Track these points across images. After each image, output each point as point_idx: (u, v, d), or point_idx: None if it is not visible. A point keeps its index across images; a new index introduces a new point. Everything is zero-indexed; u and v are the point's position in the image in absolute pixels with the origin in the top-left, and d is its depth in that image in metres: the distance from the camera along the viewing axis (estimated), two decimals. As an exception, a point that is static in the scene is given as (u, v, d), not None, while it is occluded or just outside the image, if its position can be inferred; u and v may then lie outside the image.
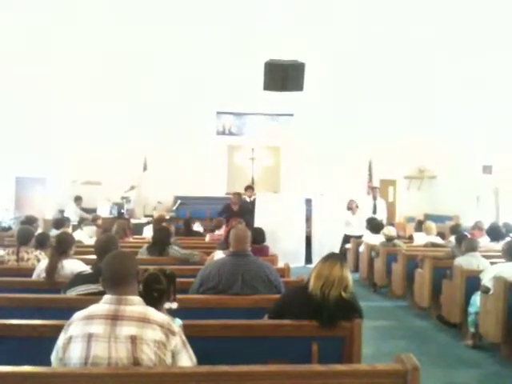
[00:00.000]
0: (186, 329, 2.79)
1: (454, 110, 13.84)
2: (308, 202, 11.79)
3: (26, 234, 5.50)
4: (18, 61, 12.44)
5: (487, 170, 13.50)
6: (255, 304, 3.83)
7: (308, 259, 10.95)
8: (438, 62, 12.85)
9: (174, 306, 2.93)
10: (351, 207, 11.15)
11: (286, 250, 9.60)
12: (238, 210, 10.56)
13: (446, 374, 4.95)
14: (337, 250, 9.89)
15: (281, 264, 5.71)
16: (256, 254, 4.77)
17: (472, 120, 13.30)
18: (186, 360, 2.47)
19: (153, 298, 2.80)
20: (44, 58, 12.71)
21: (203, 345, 2.81)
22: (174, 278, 3.00)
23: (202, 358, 2.60)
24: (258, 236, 6.19)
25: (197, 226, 10.05)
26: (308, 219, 11.60)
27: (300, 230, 11.32)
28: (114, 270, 2.56)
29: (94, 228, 8.89)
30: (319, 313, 3.16)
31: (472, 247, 6.34)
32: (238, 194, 11.20)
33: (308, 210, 11.67)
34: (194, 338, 2.70)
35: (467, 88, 12.93)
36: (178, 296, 3.12)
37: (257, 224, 9.82)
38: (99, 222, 9.77)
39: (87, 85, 13.96)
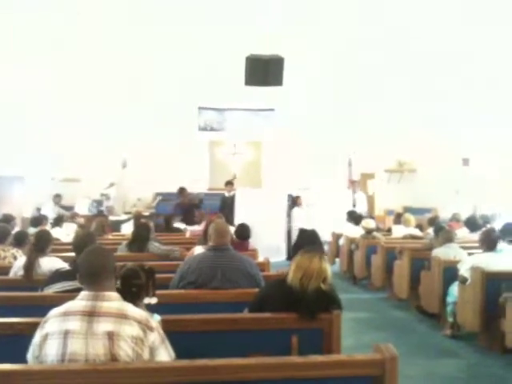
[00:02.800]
0: (165, 324, 2.78)
1: (433, 104, 13.96)
2: (289, 196, 11.83)
3: (3, 232, 5.44)
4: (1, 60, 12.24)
5: (466, 162, 13.67)
6: (235, 298, 3.83)
7: (289, 254, 10.97)
8: (417, 59, 12.97)
9: (154, 301, 2.91)
10: (299, 203, 11.41)
11: (267, 245, 9.60)
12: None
13: (426, 363, 5.02)
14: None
15: (261, 258, 5.72)
16: (237, 248, 4.77)
17: (451, 113, 13.44)
18: (165, 356, 2.46)
19: (131, 293, 2.77)
20: (21, 57, 12.51)
21: (183, 340, 2.81)
22: (153, 273, 2.99)
23: (182, 353, 2.59)
24: (245, 232, 6.20)
25: (177, 223, 10.00)
26: (289, 214, 11.64)
27: (281, 225, 11.34)
28: (91, 265, 2.53)
29: (74, 226, 8.81)
30: (298, 305, 3.17)
31: (448, 238, 6.42)
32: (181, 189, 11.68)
33: (289, 204, 11.70)
34: (174, 333, 2.70)
35: (446, 81, 13.06)
36: (158, 292, 3.10)
37: (237, 219, 9.85)
38: (80, 219, 9.68)
39: (65, 82, 13.78)
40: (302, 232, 10.67)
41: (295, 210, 11.36)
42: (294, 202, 11.57)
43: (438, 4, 10.69)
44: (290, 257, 10.51)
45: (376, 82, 14.28)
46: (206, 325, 3.21)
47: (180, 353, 2.58)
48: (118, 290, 2.63)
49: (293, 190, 12.21)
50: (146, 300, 2.86)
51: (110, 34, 12.43)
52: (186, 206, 10.97)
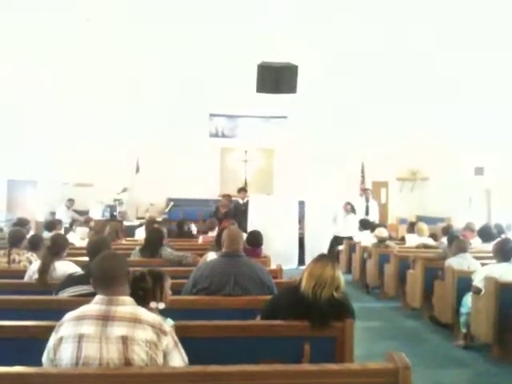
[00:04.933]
0: (178, 329, 2.79)
1: (446, 112, 13.91)
2: (301, 203, 11.82)
3: (18, 236, 5.48)
4: (7, 61, 12.37)
5: (479, 171, 13.58)
6: (247, 305, 3.84)
7: (301, 261, 10.95)
8: (431, 64, 12.91)
9: (161, 306, 2.93)
10: (346, 209, 11.27)
11: (279, 252, 9.59)
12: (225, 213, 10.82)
13: (438, 373, 4.97)
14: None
15: (273, 265, 5.72)
16: (249, 255, 4.78)
17: (464, 121, 13.38)
18: (178, 360, 2.47)
19: (138, 296, 2.80)
20: (33, 60, 12.65)
21: (196, 345, 2.82)
22: (161, 278, 3.01)
23: (194, 359, 2.60)
24: (257, 239, 6.20)
25: (189, 228, 10.03)
26: (301, 221, 11.62)
27: (293, 232, 11.33)
28: (105, 270, 2.56)
29: (86, 230, 8.86)
30: (311, 313, 3.16)
31: (462, 248, 6.38)
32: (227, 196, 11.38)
33: (301, 211, 11.69)
34: (187, 339, 2.71)
35: (460, 90, 13.00)
36: (172, 297, 3.12)
37: (250, 225, 9.85)
38: (91, 223, 9.74)
39: (79, 87, 13.92)
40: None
41: (339, 215, 11.33)
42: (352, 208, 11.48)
43: (440, 3, 10.59)
44: (301, 264, 10.48)
45: (389, 90, 14.27)
46: (218, 331, 3.21)
47: (192, 358, 2.59)
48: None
49: (304, 196, 12.19)
50: (153, 304, 2.87)
51: (120, 40, 12.52)
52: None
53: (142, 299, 2.83)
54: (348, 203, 11.34)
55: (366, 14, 11.27)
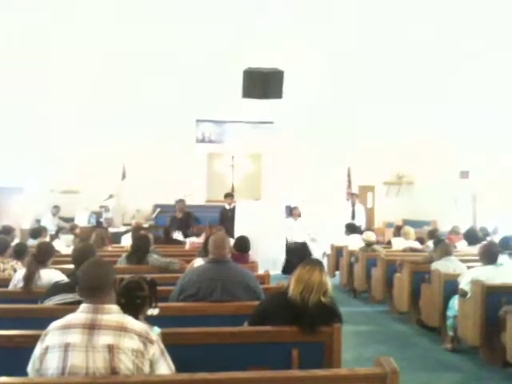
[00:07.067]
0: (165, 337, 2.78)
1: (431, 116, 14.02)
2: (288, 208, 11.83)
3: (2, 244, 5.43)
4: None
5: (464, 175, 13.71)
6: (235, 311, 3.82)
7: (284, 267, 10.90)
8: (417, 68, 12.97)
9: (156, 311, 2.93)
10: (295, 214, 11.26)
11: (267, 257, 9.57)
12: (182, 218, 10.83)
13: (426, 377, 4.99)
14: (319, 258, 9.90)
15: (261, 271, 5.71)
16: (237, 261, 4.77)
17: (449, 125, 13.49)
18: (165, 369, 2.45)
19: (135, 305, 2.79)
20: (20, 64, 12.53)
21: (183, 353, 2.80)
22: (155, 285, 3.01)
23: (182, 366, 2.58)
24: (244, 244, 6.20)
25: (176, 235, 9.98)
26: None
27: (280, 237, 11.31)
28: (91, 278, 2.53)
29: (71, 237, 8.79)
30: (299, 318, 3.16)
31: (447, 251, 6.42)
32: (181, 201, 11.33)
33: (288, 216, 11.69)
34: (174, 346, 2.69)
35: (446, 94, 13.10)
36: (159, 304, 3.11)
37: (237, 231, 9.83)
38: (77, 230, 9.66)
39: (66, 93, 13.83)
40: (290, 246, 10.80)
41: (288, 220, 11.30)
42: (290, 212, 11.55)
43: (441, 10, 10.64)
44: (284, 271, 10.37)
45: (375, 94, 14.34)
46: (206, 338, 3.20)
47: (180, 366, 2.57)
48: (121, 303, 2.64)
49: (292, 202, 12.21)
50: (150, 311, 2.87)
51: (109, 44, 12.46)
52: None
53: (139, 307, 2.82)
54: (296, 208, 11.34)
55: (361, 15, 11.27)
